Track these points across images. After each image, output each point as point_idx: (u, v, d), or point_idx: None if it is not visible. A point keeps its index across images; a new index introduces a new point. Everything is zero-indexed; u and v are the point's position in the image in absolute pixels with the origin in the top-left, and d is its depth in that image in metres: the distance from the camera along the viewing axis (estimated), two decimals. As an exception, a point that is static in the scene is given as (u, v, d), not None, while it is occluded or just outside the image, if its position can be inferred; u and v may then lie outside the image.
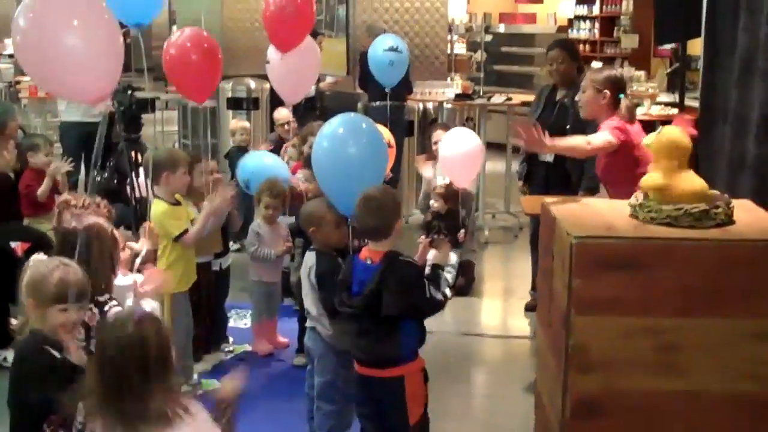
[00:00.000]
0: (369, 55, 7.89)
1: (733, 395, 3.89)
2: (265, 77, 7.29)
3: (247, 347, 6.23)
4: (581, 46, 17.57)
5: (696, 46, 7.67)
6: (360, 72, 9.92)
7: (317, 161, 4.68)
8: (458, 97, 10.56)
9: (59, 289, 3.32)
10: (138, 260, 4.54)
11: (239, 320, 6.73)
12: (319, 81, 9.76)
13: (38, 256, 3.45)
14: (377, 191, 4.17)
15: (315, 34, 9.22)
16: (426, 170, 7.56)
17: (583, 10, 18.26)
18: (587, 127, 6.03)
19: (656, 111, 10.52)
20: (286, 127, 8.05)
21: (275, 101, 7.34)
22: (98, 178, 7.76)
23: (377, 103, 9.39)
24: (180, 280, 5.26)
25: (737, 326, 3.83)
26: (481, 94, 11.01)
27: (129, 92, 7.00)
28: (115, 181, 7.75)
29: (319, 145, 4.66)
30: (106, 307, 3.66)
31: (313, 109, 10.20)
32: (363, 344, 4.14)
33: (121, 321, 2.96)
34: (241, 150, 8.31)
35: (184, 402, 2.94)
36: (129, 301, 4.01)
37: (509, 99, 10.77)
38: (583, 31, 18.28)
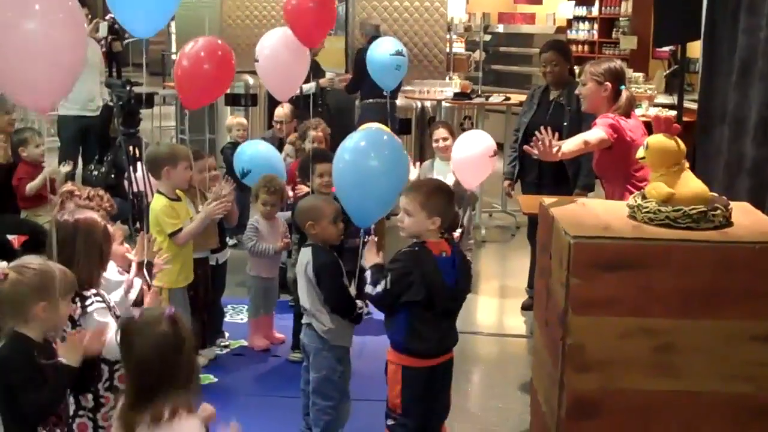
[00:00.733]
0: (371, 58, 7.88)
1: (730, 396, 3.90)
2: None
3: (243, 342, 6.24)
4: (580, 47, 17.61)
5: (695, 48, 7.68)
6: (354, 70, 9.91)
7: (338, 174, 4.67)
8: (457, 96, 10.56)
9: (71, 281, 3.35)
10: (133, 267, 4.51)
11: (235, 315, 6.73)
12: (321, 77, 9.77)
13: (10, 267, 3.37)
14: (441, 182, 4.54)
15: None
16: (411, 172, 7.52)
17: (582, 11, 18.26)
18: (584, 124, 6.05)
19: (654, 112, 10.53)
20: (281, 126, 8.05)
21: (274, 98, 7.34)
22: (95, 173, 7.77)
23: (370, 100, 9.41)
24: (178, 277, 5.26)
25: (734, 328, 3.84)
26: (479, 93, 11.02)
27: (128, 87, 7.00)
28: (113, 176, 7.76)
29: (341, 158, 4.64)
30: (88, 302, 3.63)
31: (315, 106, 10.20)
32: (453, 332, 4.32)
33: (153, 320, 2.96)
34: (236, 146, 8.31)
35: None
36: (115, 296, 3.96)
37: (507, 99, 10.78)
38: (582, 32, 18.29)
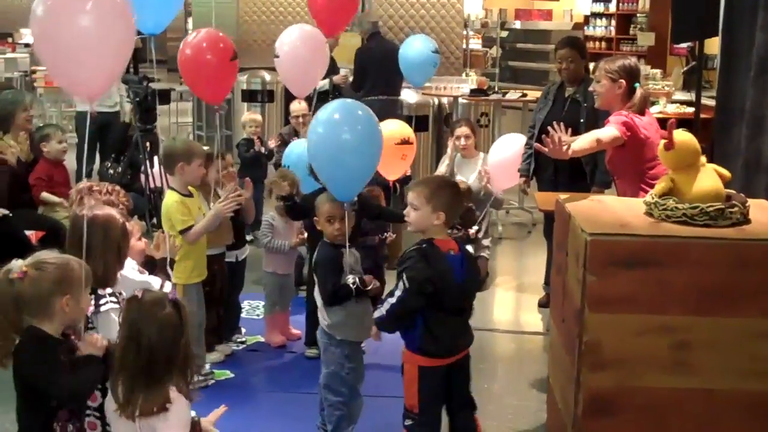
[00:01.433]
0: (407, 55, 7.90)
1: (746, 393, 3.89)
2: (279, 70, 7.29)
3: (260, 338, 6.24)
4: (597, 44, 17.57)
5: (713, 45, 7.66)
6: (355, 68, 9.89)
7: (312, 146, 4.67)
8: (473, 92, 10.55)
9: (88, 273, 3.36)
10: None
11: (252, 311, 6.75)
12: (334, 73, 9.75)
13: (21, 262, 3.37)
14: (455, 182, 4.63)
15: None
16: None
17: (599, 7, 18.23)
18: (600, 121, 6.03)
19: (672, 109, 10.49)
20: (300, 119, 8.05)
21: (290, 94, 7.34)
22: (111, 171, 7.80)
23: (372, 97, 9.41)
24: (191, 273, 5.26)
25: (751, 325, 3.84)
26: (496, 89, 11.00)
27: (145, 83, 7.02)
28: (129, 175, 7.79)
29: (314, 131, 4.64)
30: (102, 301, 3.62)
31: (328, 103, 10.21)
32: (466, 330, 4.28)
33: (158, 301, 2.97)
34: (250, 142, 8.32)
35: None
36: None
37: (524, 95, 10.76)
38: (599, 29, 18.25)
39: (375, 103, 9.13)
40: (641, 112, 5.11)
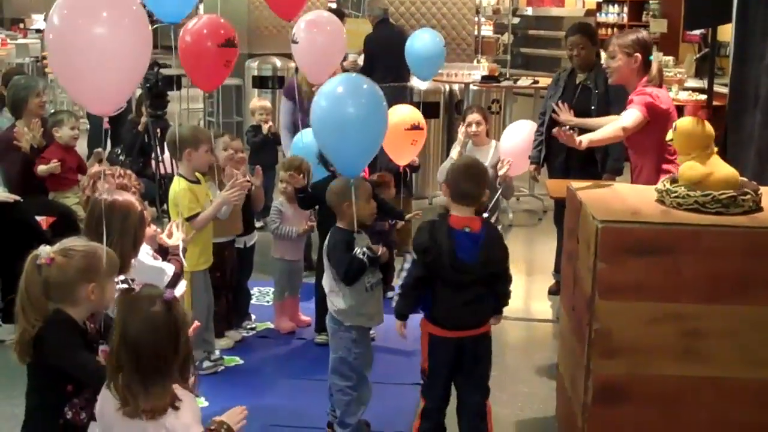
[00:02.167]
0: (414, 47, 7.88)
1: (758, 382, 3.89)
2: (290, 56, 7.27)
3: (269, 325, 6.25)
4: (609, 30, 17.47)
5: (726, 32, 7.61)
6: (365, 54, 9.86)
7: (316, 120, 4.64)
8: (484, 79, 10.52)
9: (115, 261, 3.36)
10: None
11: (262, 298, 6.75)
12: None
13: (47, 249, 3.36)
14: (471, 159, 4.55)
15: (341, 15, 9.19)
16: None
17: (611, -7, 18.14)
18: (611, 107, 6.00)
19: (684, 96, 10.45)
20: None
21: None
22: (122, 158, 7.81)
23: (385, 84, 9.38)
24: (198, 259, 5.26)
25: (762, 313, 3.82)
26: (507, 76, 10.97)
27: (156, 69, 7.02)
28: (141, 162, 7.79)
29: (318, 105, 4.61)
30: (117, 287, 3.63)
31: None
32: (473, 308, 4.24)
33: (149, 299, 2.95)
34: (258, 129, 8.30)
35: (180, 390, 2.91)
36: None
37: (536, 82, 10.73)
38: (611, 15, 18.15)
39: (385, 89, 9.10)
40: (660, 85, 5.08)
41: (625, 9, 17.83)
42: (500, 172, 7.04)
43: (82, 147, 7.43)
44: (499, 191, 7.12)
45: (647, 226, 3.87)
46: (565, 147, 6.66)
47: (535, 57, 19.29)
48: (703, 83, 9.95)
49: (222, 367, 5.50)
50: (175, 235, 4.52)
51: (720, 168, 4.08)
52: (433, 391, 4.33)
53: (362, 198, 4.61)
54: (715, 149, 4.15)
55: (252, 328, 6.17)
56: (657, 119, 4.89)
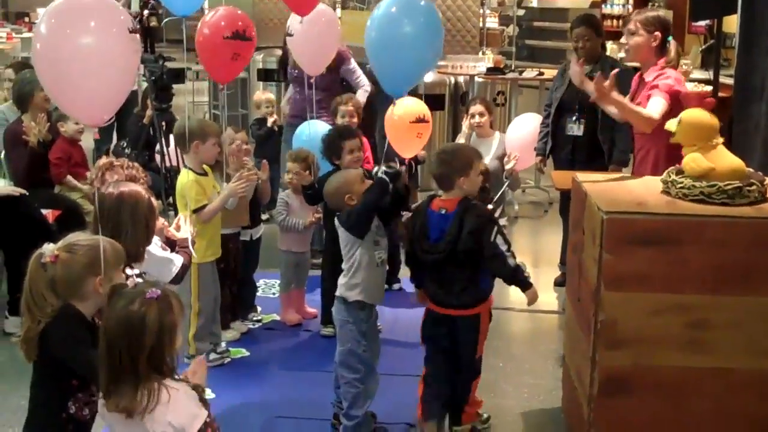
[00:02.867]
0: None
1: (762, 372, 3.89)
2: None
3: (275, 317, 6.25)
4: (614, 22, 17.45)
5: (731, 23, 7.59)
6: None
7: (370, 40, 4.80)
8: (490, 71, 10.51)
9: (120, 252, 3.37)
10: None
11: (268, 290, 6.76)
12: None
13: (52, 247, 3.35)
14: (450, 145, 4.89)
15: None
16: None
17: (617, -16, 18.08)
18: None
19: (690, 88, 10.42)
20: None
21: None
22: (127, 150, 7.82)
23: None
24: (206, 251, 5.26)
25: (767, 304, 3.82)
26: (512, 68, 10.95)
27: (161, 62, 7.01)
28: (146, 155, 7.80)
29: (373, 26, 4.79)
30: (129, 282, 3.63)
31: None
32: (446, 289, 4.46)
33: (131, 296, 2.95)
34: (263, 122, 8.31)
35: (164, 389, 2.90)
36: (155, 273, 3.97)
37: (541, 74, 10.71)
38: (616, 7, 18.11)
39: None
40: (676, 66, 5.04)
41: (631, 0, 17.78)
42: (507, 167, 7.03)
43: (87, 141, 7.43)
44: (506, 184, 7.12)
45: (652, 217, 3.86)
46: (571, 138, 6.68)
47: (540, 49, 19.24)
48: (708, 74, 9.94)
49: (228, 359, 5.51)
50: (183, 228, 4.53)
51: (725, 159, 4.08)
52: (428, 359, 4.61)
53: (358, 185, 4.61)
54: (721, 140, 4.14)
55: (258, 320, 6.18)
56: (675, 105, 4.79)
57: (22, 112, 6.81)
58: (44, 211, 6.27)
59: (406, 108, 6.71)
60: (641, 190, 4.28)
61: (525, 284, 4.40)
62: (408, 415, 4.86)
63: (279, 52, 11.34)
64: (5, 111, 7.18)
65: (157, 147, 7.04)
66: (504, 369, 5.51)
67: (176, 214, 5.62)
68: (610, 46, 11.32)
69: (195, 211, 5.15)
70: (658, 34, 5.02)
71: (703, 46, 12.64)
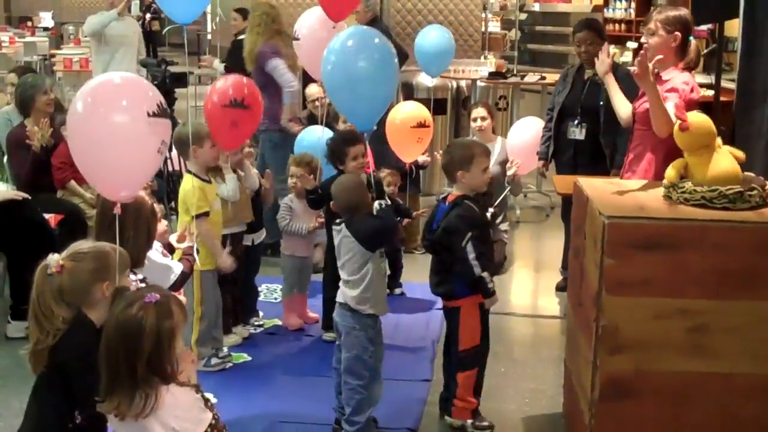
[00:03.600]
0: (425, 44, 7.89)
1: (764, 377, 3.88)
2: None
3: (277, 322, 6.25)
4: (617, 26, 17.45)
5: (733, 27, 7.59)
6: None
7: (327, 75, 4.85)
8: (492, 75, 10.51)
9: (125, 257, 3.38)
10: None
11: (270, 295, 6.76)
12: None
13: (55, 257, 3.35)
14: (460, 139, 5.29)
15: (246, 14, 9.09)
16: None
17: (619, -11, 18.07)
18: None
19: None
20: (316, 103, 8.04)
21: (308, 78, 7.32)
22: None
23: None
24: (206, 259, 5.26)
25: (769, 309, 3.81)
26: (514, 72, 10.95)
27: (163, 66, 7.04)
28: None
29: (327, 60, 4.82)
30: (132, 287, 3.64)
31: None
32: (432, 276, 4.84)
33: (130, 300, 2.96)
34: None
35: (166, 394, 2.91)
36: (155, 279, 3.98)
37: (543, 78, 10.71)
38: (618, 11, 18.10)
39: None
40: (695, 66, 4.95)
41: (633, 4, 17.78)
42: (509, 172, 7.03)
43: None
44: (507, 189, 7.12)
45: (654, 221, 3.86)
46: (573, 143, 6.68)
47: (542, 53, 19.27)
48: (710, 79, 9.93)
49: (230, 364, 5.51)
50: (189, 239, 4.55)
51: (725, 164, 4.08)
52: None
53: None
54: (720, 144, 4.14)
55: (260, 325, 6.18)
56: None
57: (24, 117, 6.82)
58: (46, 216, 6.28)
59: (407, 113, 6.72)
60: (643, 194, 4.28)
61: (486, 292, 4.63)
62: (409, 419, 4.86)
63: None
64: (10, 113, 7.19)
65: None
66: (505, 374, 5.51)
67: (178, 218, 5.64)
68: (613, 50, 11.31)
69: (196, 217, 5.16)
70: (678, 34, 4.84)
71: (705, 51, 12.63)
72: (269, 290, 6.81)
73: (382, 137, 6.76)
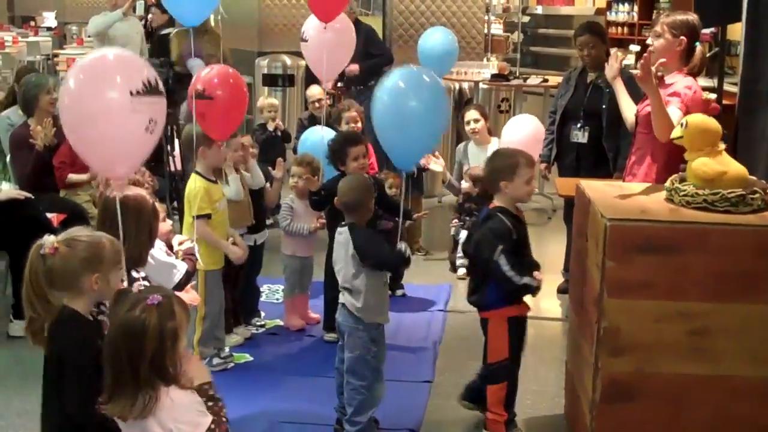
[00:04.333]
0: (427, 46, 7.91)
1: (765, 380, 3.89)
2: (300, 54, 7.28)
3: (279, 322, 6.26)
4: (619, 29, 17.44)
5: (736, 31, 7.59)
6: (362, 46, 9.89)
7: (377, 115, 4.79)
8: (494, 77, 10.52)
9: (118, 251, 3.38)
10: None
11: (272, 295, 6.77)
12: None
13: (50, 239, 3.36)
14: (506, 148, 5.04)
15: None
16: (434, 165, 7.43)
17: (622, -8, 18.06)
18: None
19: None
20: (317, 104, 8.06)
21: (310, 78, 7.34)
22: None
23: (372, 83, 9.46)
24: (209, 259, 5.27)
25: (770, 312, 3.82)
26: (517, 75, 10.97)
27: (166, 67, 7.04)
28: (152, 163, 7.82)
29: (380, 100, 4.75)
30: (135, 284, 3.65)
31: (347, 88, 10.24)
32: (470, 285, 4.78)
33: (133, 301, 2.96)
34: (262, 127, 8.32)
35: (166, 396, 2.91)
36: (158, 278, 3.99)
37: (545, 80, 10.73)
38: (621, 14, 18.09)
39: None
40: (700, 72, 4.96)
41: (635, 7, 17.78)
42: None
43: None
44: None
45: (656, 224, 3.87)
46: (576, 146, 6.68)
47: (544, 55, 19.28)
48: (713, 82, 9.92)
49: (232, 364, 5.52)
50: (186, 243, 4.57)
51: (730, 165, 4.09)
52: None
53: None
54: (723, 147, 4.14)
55: (261, 325, 6.18)
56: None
57: (28, 116, 6.83)
58: (49, 215, 6.29)
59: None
60: (645, 197, 4.28)
61: (533, 293, 4.57)
62: (410, 420, 4.87)
63: (284, 57, 11.40)
64: (11, 116, 7.20)
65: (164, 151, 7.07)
66: (507, 375, 5.51)
67: (181, 218, 5.65)
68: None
69: (197, 218, 5.17)
70: (683, 38, 4.85)
71: (708, 54, 12.62)
72: (271, 291, 6.81)
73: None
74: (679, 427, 3.97)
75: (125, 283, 3.58)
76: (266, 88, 11.34)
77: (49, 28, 19.95)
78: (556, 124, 6.81)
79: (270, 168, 6.26)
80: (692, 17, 4.95)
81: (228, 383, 5.25)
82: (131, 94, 3.34)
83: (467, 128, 7.45)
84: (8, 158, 6.72)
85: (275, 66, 11.38)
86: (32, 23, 20.12)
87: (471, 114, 7.46)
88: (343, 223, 4.64)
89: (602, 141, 6.48)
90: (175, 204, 6.91)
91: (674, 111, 4.60)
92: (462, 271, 7.33)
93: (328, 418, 4.80)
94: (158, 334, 2.92)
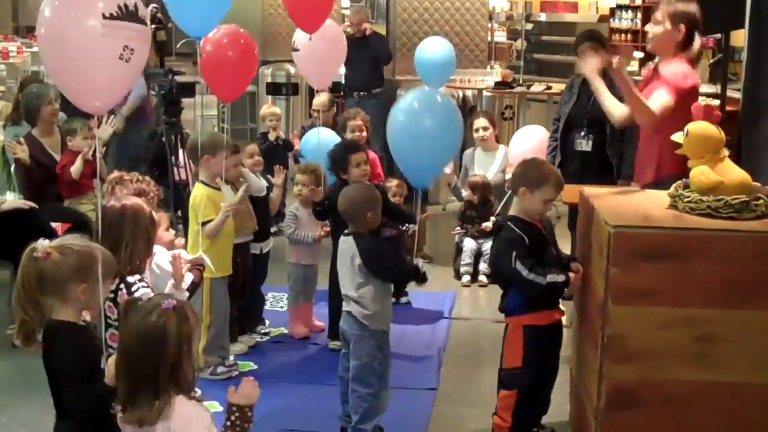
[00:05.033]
0: (424, 56, 7.93)
1: (770, 388, 3.87)
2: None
3: (284, 330, 6.26)
4: (623, 36, 17.42)
5: (739, 37, 7.59)
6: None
7: (393, 134, 4.92)
8: (498, 85, 10.53)
9: (112, 264, 3.38)
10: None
11: (276, 303, 6.77)
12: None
13: (45, 243, 3.36)
14: (534, 158, 4.87)
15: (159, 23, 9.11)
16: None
17: (625, -1, 18.06)
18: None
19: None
20: (316, 114, 8.09)
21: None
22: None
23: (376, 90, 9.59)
24: (218, 266, 5.27)
25: (776, 318, 3.81)
26: (520, 82, 10.98)
27: (170, 76, 7.05)
28: (157, 172, 7.83)
29: (395, 119, 4.89)
30: (134, 288, 3.67)
31: (344, 97, 10.31)
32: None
33: (147, 309, 2.96)
34: (264, 135, 8.34)
35: (175, 406, 2.91)
36: (166, 287, 3.99)
37: (549, 88, 10.73)
38: (625, 21, 18.07)
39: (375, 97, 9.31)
40: (696, 62, 4.96)
41: (639, 14, 17.76)
42: (507, 177, 7.07)
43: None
44: (508, 194, 7.14)
45: (660, 231, 3.87)
46: (580, 154, 6.66)
47: (548, 63, 19.24)
48: (716, 89, 9.92)
49: (236, 373, 5.51)
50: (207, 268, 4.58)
51: (732, 172, 4.08)
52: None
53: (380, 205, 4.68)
54: (727, 152, 4.14)
55: (266, 333, 6.18)
56: (683, 100, 4.68)
57: (31, 126, 6.86)
58: (54, 224, 6.30)
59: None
60: (648, 204, 4.28)
61: (564, 287, 4.42)
62: (415, 428, 4.87)
63: (288, 66, 11.43)
64: (18, 130, 7.21)
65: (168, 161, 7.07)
66: (511, 383, 5.50)
67: (185, 227, 5.65)
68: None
69: (203, 224, 5.18)
70: (683, 27, 4.85)
71: (711, 60, 12.62)
72: (275, 299, 6.81)
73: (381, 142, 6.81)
74: (684, 434, 3.97)
75: (124, 290, 3.60)
76: (270, 97, 11.36)
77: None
78: (559, 131, 6.80)
79: (270, 176, 6.27)
80: (693, 7, 4.93)
81: (232, 392, 5.26)
82: (104, 17, 3.25)
83: (476, 135, 7.48)
84: (12, 168, 6.74)
85: (279, 75, 11.41)
86: (36, 33, 20.17)
87: (480, 122, 7.48)
88: (346, 231, 4.65)
89: (606, 149, 6.48)
90: (179, 213, 6.91)
91: (662, 95, 4.68)
92: (466, 278, 7.34)
93: (332, 426, 4.80)
94: (178, 338, 2.92)
